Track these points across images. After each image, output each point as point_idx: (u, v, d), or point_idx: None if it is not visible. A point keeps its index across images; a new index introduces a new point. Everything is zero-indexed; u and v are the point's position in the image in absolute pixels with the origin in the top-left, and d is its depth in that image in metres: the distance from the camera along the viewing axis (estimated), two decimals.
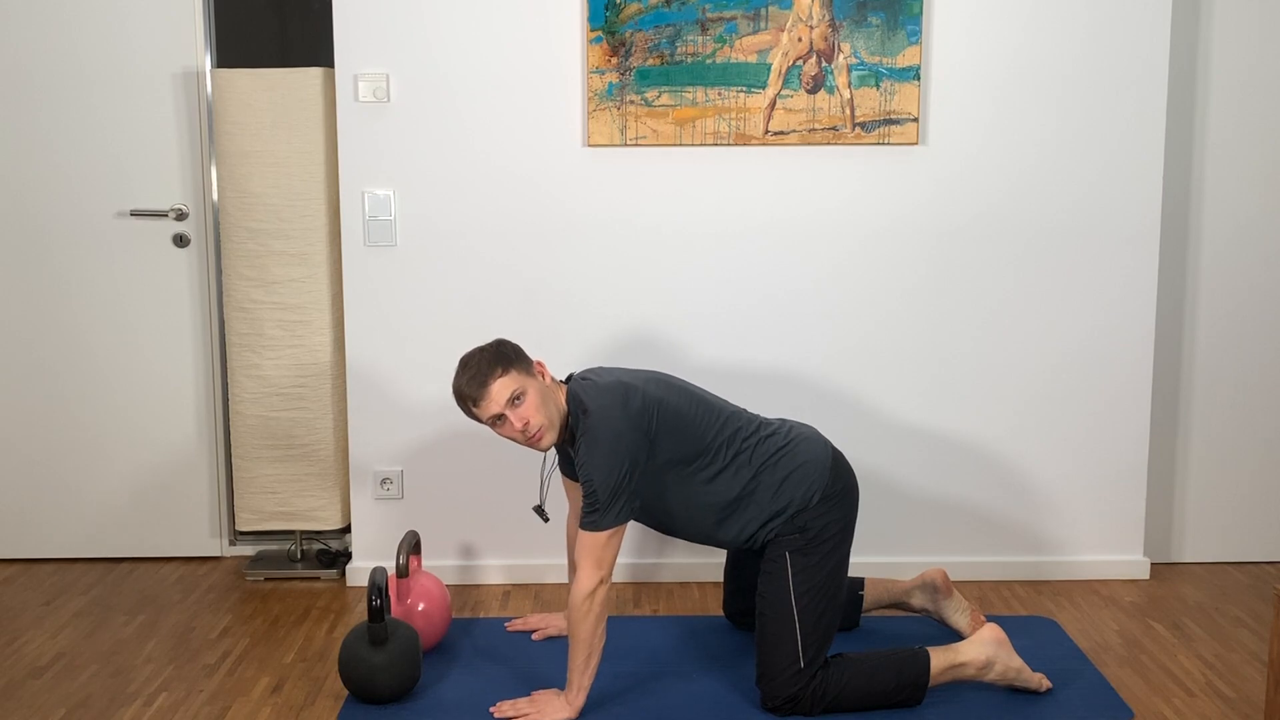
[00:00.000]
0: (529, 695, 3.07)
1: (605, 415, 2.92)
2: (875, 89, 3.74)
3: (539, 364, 3.04)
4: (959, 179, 3.82)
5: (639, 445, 2.93)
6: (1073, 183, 3.83)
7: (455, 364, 3.12)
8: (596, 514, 2.90)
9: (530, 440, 2.97)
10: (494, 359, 2.94)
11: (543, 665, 3.29)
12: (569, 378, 3.13)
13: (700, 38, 3.72)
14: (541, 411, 2.94)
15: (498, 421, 2.97)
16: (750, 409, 3.27)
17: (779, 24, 3.71)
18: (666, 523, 3.14)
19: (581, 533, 2.94)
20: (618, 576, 3.87)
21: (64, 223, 4.05)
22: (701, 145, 3.77)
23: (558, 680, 3.08)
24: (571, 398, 3.00)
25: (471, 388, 2.95)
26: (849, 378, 3.89)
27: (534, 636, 3.47)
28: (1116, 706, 3.09)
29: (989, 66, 3.77)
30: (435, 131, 3.78)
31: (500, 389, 2.92)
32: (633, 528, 3.86)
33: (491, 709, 3.04)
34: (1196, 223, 3.98)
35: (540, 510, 3.23)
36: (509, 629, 3.53)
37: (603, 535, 2.91)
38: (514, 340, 3.07)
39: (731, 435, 3.08)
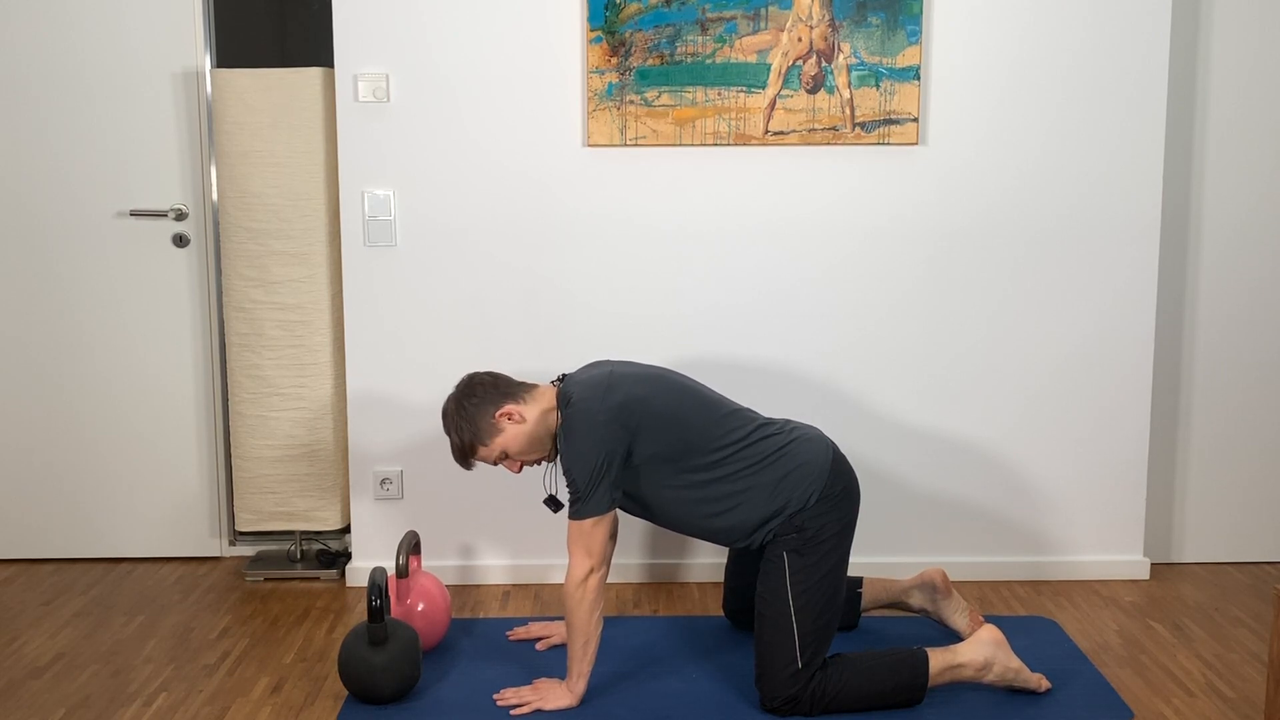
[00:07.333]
0: (531, 684, 3.12)
1: (582, 408, 3.00)
2: (875, 89, 3.74)
3: (503, 413, 3.09)
4: (959, 179, 3.82)
5: (616, 436, 2.99)
6: (1073, 183, 3.83)
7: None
8: (579, 503, 2.99)
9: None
10: (460, 453, 3.13)
11: (543, 665, 3.29)
12: (561, 377, 3.17)
13: (700, 38, 3.71)
14: (526, 452, 3.12)
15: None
16: (751, 409, 3.27)
17: (779, 24, 3.71)
18: (658, 515, 3.16)
19: (569, 522, 3.01)
20: (618, 577, 3.87)
21: (64, 223, 4.05)
22: (701, 145, 3.77)
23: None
24: (561, 396, 3.07)
25: (464, 467, 3.20)
26: (849, 377, 3.89)
27: (538, 646, 3.43)
28: (1116, 707, 3.09)
29: (989, 66, 3.77)
30: (435, 131, 3.78)
31: (482, 463, 3.15)
32: (634, 526, 3.86)
33: (495, 696, 3.09)
34: (1196, 223, 3.98)
35: (552, 500, 3.26)
36: (511, 638, 3.49)
37: (587, 523, 2.99)
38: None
39: (727, 433, 3.09)
